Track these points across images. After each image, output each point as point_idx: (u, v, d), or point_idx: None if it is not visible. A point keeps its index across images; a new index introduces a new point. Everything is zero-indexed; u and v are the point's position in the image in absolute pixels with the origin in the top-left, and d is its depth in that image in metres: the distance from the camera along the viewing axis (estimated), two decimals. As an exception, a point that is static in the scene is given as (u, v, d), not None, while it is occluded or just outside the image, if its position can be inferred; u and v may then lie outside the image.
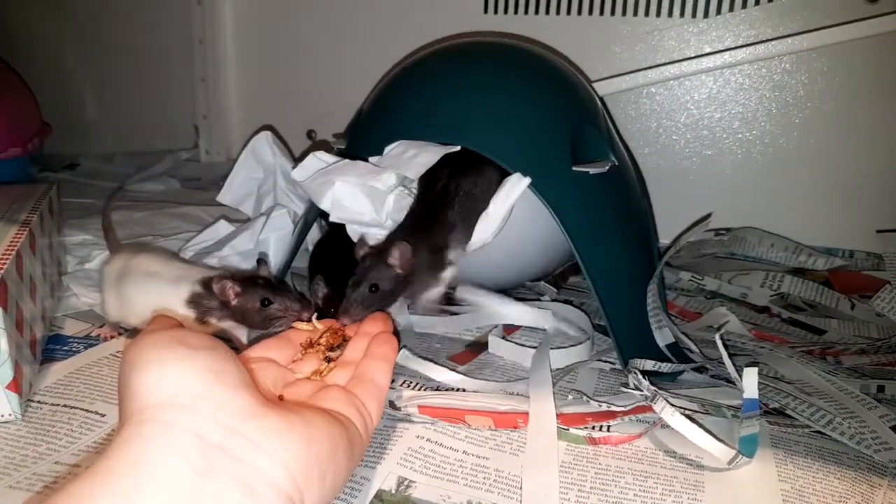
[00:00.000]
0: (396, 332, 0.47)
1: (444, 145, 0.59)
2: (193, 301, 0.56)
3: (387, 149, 0.61)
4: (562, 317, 0.62)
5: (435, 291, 0.59)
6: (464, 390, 0.52)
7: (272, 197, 0.80)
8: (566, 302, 0.69)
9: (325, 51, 1.14)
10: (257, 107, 1.23)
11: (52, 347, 0.60)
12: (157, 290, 0.57)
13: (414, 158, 0.57)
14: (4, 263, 0.48)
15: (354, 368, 0.42)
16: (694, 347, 0.60)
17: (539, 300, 0.69)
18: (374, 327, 0.46)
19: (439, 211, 0.58)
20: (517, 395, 0.52)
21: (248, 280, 0.56)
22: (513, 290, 0.71)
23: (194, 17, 1.19)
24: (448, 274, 0.59)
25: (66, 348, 0.60)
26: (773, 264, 0.86)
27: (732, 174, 0.95)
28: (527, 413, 0.49)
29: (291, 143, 1.15)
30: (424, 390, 0.52)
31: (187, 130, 1.26)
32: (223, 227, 0.72)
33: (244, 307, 0.55)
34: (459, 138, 0.58)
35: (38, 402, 0.50)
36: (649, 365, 0.55)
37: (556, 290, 0.71)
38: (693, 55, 0.92)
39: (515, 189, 0.56)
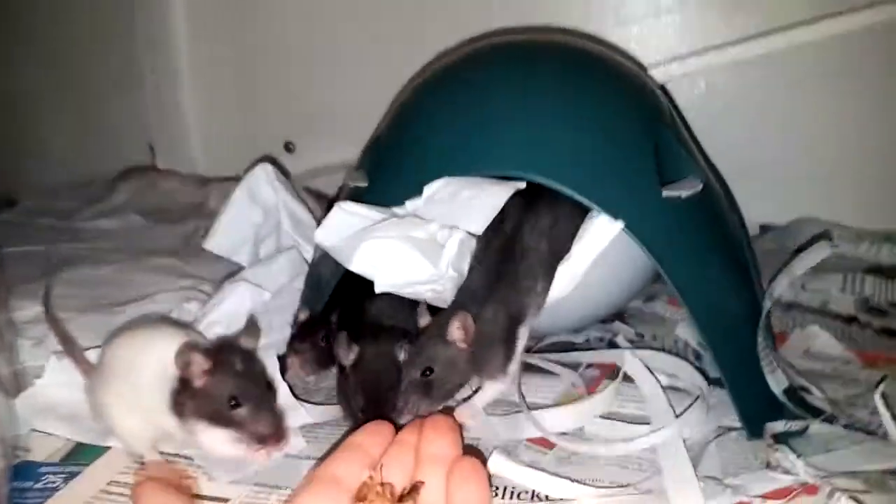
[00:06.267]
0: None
1: (502, 179, 0.47)
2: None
3: (427, 189, 0.48)
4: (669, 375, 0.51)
5: (497, 388, 0.46)
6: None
7: (273, 240, 0.67)
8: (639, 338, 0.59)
9: (300, 47, 0.98)
10: (223, 118, 1.07)
11: (21, 487, 0.46)
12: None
13: (471, 202, 0.45)
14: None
15: None
16: (815, 390, 0.50)
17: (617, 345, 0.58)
18: (442, 446, 0.33)
19: (510, 262, 0.46)
20: (645, 492, 0.41)
21: (222, 353, 0.44)
22: (581, 332, 0.60)
23: (138, 17, 1.01)
24: (516, 364, 0.47)
25: (39, 486, 0.46)
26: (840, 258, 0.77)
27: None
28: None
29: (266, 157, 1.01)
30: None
31: (141, 152, 1.10)
32: (245, 293, 0.56)
33: (209, 394, 0.43)
34: (525, 170, 0.46)
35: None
36: (779, 426, 0.46)
37: (633, 332, 0.60)
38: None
39: (605, 234, 0.45)
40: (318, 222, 0.69)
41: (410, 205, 0.49)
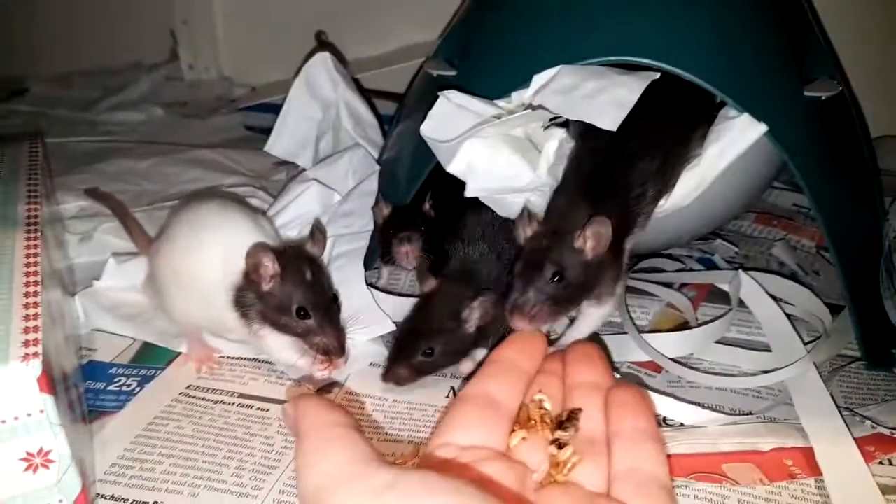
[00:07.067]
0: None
1: (625, 70, 0.41)
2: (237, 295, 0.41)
3: (538, 79, 0.42)
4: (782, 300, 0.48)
5: (603, 312, 0.41)
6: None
7: (329, 139, 0.61)
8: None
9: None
10: (249, 2, 0.98)
11: (93, 388, 0.43)
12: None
13: (598, 95, 0.40)
14: (36, 331, 0.30)
15: (607, 452, 0.27)
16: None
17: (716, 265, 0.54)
18: (594, 374, 0.29)
19: (616, 167, 0.40)
20: (769, 420, 0.39)
21: (292, 259, 0.41)
22: (677, 252, 0.56)
23: None
24: (622, 285, 0.42)
25: (113, 388, 0.43)
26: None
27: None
28: (799, 449, 0.36)
29: (296, 49, 0.93)
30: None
31: (162, 38, 1.01)
32: (316, 195, 0.52)
33: (277, 301, 0.40)
34: (659, 58, 0.40)
35: (113, 497, 0.35)
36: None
37: (734, 250, 0.56)
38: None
39: (746, 137, 0.40)
40: (380, 120, 0.64)
41: (517, 96, 0.43)
